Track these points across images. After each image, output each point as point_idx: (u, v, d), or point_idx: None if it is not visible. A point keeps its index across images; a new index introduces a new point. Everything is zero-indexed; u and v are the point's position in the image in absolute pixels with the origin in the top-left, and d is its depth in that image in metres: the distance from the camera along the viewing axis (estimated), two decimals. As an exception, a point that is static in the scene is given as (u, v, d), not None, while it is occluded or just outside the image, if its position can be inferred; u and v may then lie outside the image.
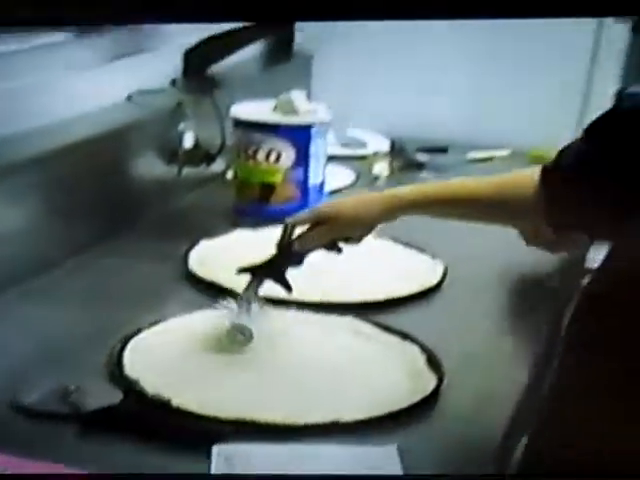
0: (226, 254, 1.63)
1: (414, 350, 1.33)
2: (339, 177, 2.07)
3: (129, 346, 1.29)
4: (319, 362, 1.31)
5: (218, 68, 2.10)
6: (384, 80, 2.43)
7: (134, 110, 1.77)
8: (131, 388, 1.19)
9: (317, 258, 1.38)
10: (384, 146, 2.23)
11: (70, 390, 1.16)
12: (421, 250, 1.70)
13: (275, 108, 1.83)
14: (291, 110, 1.81)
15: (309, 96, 2.49)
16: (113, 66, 1.53)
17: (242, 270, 1.38)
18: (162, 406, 1.16)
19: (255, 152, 1.80)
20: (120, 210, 1.70)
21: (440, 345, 1.33)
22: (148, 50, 1.54)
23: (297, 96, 1.83)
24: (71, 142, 1.55)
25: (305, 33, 2.46)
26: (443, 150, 2.24)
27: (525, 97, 2.34)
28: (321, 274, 1.53)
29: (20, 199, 1.46)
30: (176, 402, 1.16)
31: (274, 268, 1.36)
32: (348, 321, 1.41)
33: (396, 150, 2.17)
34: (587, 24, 2.23)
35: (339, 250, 1.38)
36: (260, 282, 1.37)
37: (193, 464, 1.08)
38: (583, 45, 2.26)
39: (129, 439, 1.11)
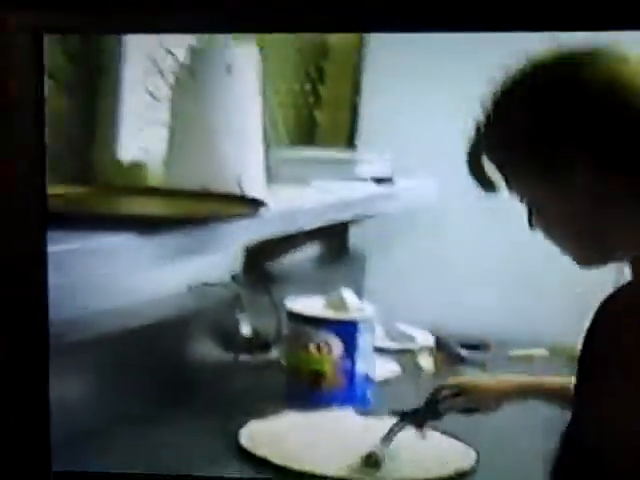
0: (275, 434, 1.77)
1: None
2: (386, 369, 2.21)
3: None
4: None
5: (275, 265, 2.29)
6: (432, 279, 2.60)
7: (195, 300, 1.95)
8: None
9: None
10: (429, 340, 2.37)
11: None
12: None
13: (326, 304, 2.01)
14: (341, 306, 2.00)
15: (362, 293, 2.68)
16: (176, 264, 1.72)
17: (394, 412, 1.72)
18: None
19: (307, 343, 1.97)
20: (177, 389, 1.85)
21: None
22: (210, 249, 1.73)
23: (346, 294, 2.02)
24: (135, 325, 1.73)
25: (361, 234, 2.66)
26: (485, 346, 2.37)
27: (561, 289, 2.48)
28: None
29: (86, 374, 1.63)
30: None
31: (418, 418, 1.72)
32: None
33: (440, 345, 2.31)
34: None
35: (472, 413, 1.70)
36: (403, 427, 1.70)
37: None
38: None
39: None
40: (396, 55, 2.53)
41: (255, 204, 1.57)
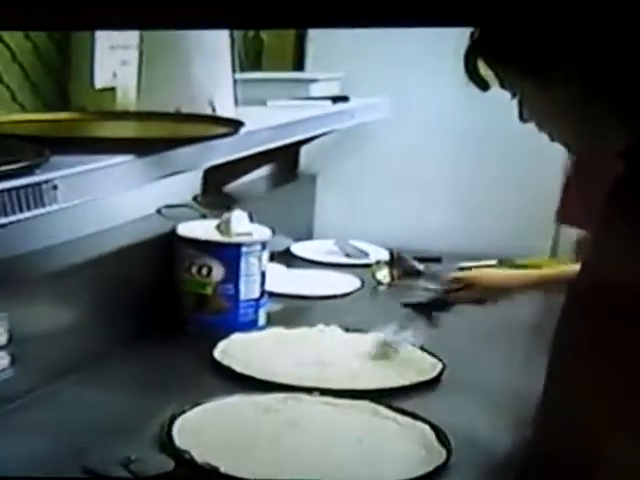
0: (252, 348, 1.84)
1: (425, 428, 1.52)
2: (347, 283, 2.28)
3: (176, 423, 1.47)
4: (343, 436, 1.50)
5: (233, 187, 2.33)
6: (383, 196, 2.67)
7: (166, 221, 1.98)
8: (182, 457, 1.37)
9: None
10: (384, 256, 2.45)
11: (130, 459, 1.34)
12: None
13: (217, 227, 1.97)
14: (227, 230, 1.95)
15: (313, 211, 2.74)
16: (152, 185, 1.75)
17: (406, 305, 1.87)
18: (211, 472, 1.34)
19: (190, 266, 1.94)
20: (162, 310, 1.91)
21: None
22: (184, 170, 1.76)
23: (237, 216, 1.97)
24: (121, 246, 1.77)
25: (309, 154, 2.70)
26: (437, 260, 2.46)
27: (508, 209, 2.58)
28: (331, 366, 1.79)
29: (76, 296, 1.67)
30: (223, 469, 1.34)
31: (426, 308, 1.85)
32: (365, 404, 1.60)
33: (395, 259, 2.39)
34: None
35: (481, 303, 1.80)
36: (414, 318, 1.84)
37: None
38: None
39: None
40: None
41: (233, 124, 1.60)
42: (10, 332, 1.49)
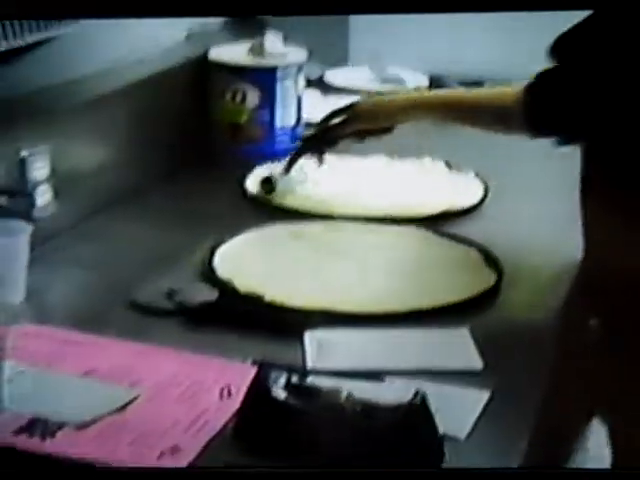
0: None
1: (474, 251, 1.47)
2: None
3: (217, 252, 1.44)
4: (391, 262, 1.45)
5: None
6: (419, 18, 2.55)
7: (196, 47, 1.90)
8: (225, 287, 1.33)
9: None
10: (423, 82, 2.34)
11: (175, 290, 1.30)
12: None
13: (249, 50, 1.86)
14: (261, 53, 1.84)
15: (347, 35, 2.62)
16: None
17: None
18: (256, 301, 1.30)
19: (223, 92, 1.84)
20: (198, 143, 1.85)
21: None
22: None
23: (270, 39, 1.86)
24: (152, 74, 1.71)
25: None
26: (479, 84, 2.36)
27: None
28: (380, 192, 1.73)
29: (113, 128, 1.62)
30: (268, 297, 1.30)
31: (315, 144, 1.67)
32: (412, 230, 1.55)
33: (435, 85, 2.29)
34: None
35: (362, 138, 1.62)
36: (302, 153, 1.68)
37: (288, 350, 1.21)
38: None
39: (229, 330, 1.24)
40: None
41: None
42: (52, 165, 1.43)
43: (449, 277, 1.41)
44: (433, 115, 1.59)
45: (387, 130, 1.61)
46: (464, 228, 1.59)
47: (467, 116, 1.53)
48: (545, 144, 1.37)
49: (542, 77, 1.34)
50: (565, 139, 1.34)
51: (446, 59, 2.45)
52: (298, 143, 1.76)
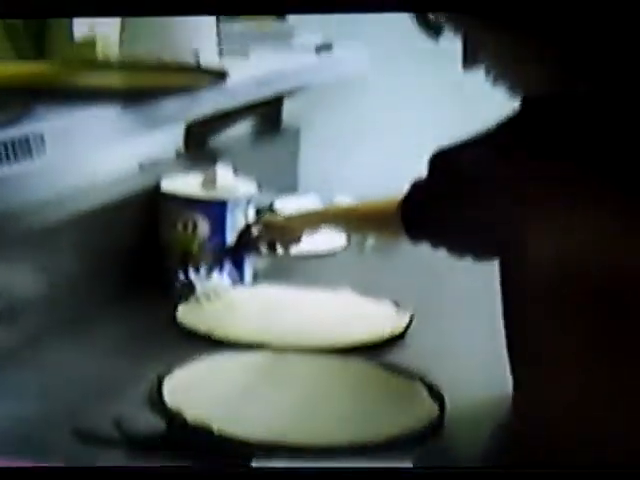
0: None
1: (415, 382, 1.51)
2: (333, 240, 2.23)
3: (165, 381, 1.45)
4: (334, 393, 1.48)
5: (217, 143, 2.28)
6: (367, 148, 2.64)
7: (149, 177, 1.94)
8: (174, 417, 1.34)
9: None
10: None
11: (121, 419, 1.31)
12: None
13: (201, 182, 1.92)
14: (212, 185, 1.91)
15: (297, 165, 2.69)
16: (133, 139, 1.71)
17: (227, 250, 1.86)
18: (205, 431, 1.31)
19: (175, 222, 1.89)
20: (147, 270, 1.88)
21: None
22: (168, 123, 1.71)
23: (221, 172, 1.93)
24: (105, 202, 1.75)
25: (292, 108, 2.66)
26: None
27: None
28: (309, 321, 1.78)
29: (60, 255, 1.64)
30: (216, 427, 1.32)
31: (234, 252, 1.87)
32: (353, 360, 1.60)
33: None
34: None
35: (273, 250, 1.83)
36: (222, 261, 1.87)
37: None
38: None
39: (177, 461, 1.25)
40: None
41: (217, 75, 1.56)
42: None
43: (392, 409, 1.43)
44: (334, 225, 1.83)
45: (295, 240, 1.82)
46: (397, 357, 1.63)
47: (360, 225, 1.80)
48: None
49: (414, 188, 1.40)
50: (437, 245, 1.39)
51: (394, 186, 2.51)
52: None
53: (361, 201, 1.86)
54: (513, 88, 1.27)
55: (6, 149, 1.03)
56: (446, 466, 0.99)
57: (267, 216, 1.87)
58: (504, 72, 1.27)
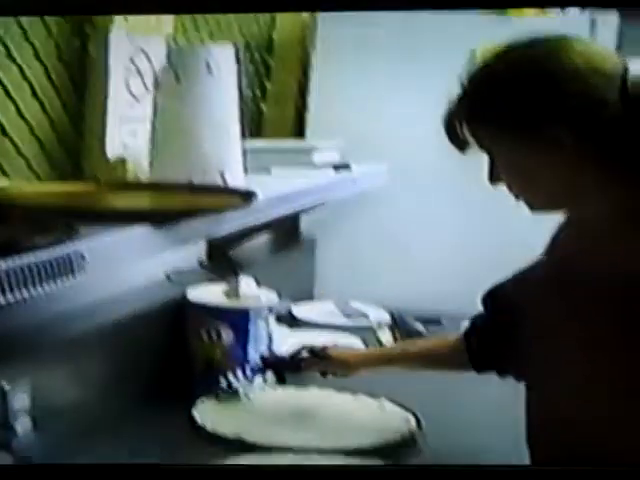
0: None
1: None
2: (350, 345, 2.32)
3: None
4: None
5: (238, 253, 2.40)
6: (382, 259, 2.74)
7: (175, 287, 2.05)
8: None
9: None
10: (384, 317, 2.51)
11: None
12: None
13: (224, 292, 2.04)
14: (235, 295, 2.02)
15: (314, 274, 2.80)
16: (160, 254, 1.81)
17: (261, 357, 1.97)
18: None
19: (199, 330, 2.00)
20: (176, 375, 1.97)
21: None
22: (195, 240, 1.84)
23: (244, 282, 2.05)
24: (134, 312, 1.85)
25: (309, 219, 2.78)
26: (437, 321, 2.52)
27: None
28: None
29: (92, 363, 1.75)
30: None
31: (278, 366, 1.94)
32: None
33: (397, 320, 2.45)
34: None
35: (325, 375, 1.89)
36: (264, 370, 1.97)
37: None
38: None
39: None
40: (342, 48, 2.66)
41: (246, 196, 1.65)
42: (32, 397, 1.54)
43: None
44: (390, 367, 1.85)
45: (348, 375, 1.87)
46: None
47: (421, 364, 1.84)
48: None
49: (475, 324, 1.63)
50: (504, 372, 1.58)
51: (406, 295, 2.61)
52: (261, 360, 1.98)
53: (406, 343, 2.11)
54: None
55: (52, 268, 1.14)
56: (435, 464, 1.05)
57: (330, 349, 1.89)
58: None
